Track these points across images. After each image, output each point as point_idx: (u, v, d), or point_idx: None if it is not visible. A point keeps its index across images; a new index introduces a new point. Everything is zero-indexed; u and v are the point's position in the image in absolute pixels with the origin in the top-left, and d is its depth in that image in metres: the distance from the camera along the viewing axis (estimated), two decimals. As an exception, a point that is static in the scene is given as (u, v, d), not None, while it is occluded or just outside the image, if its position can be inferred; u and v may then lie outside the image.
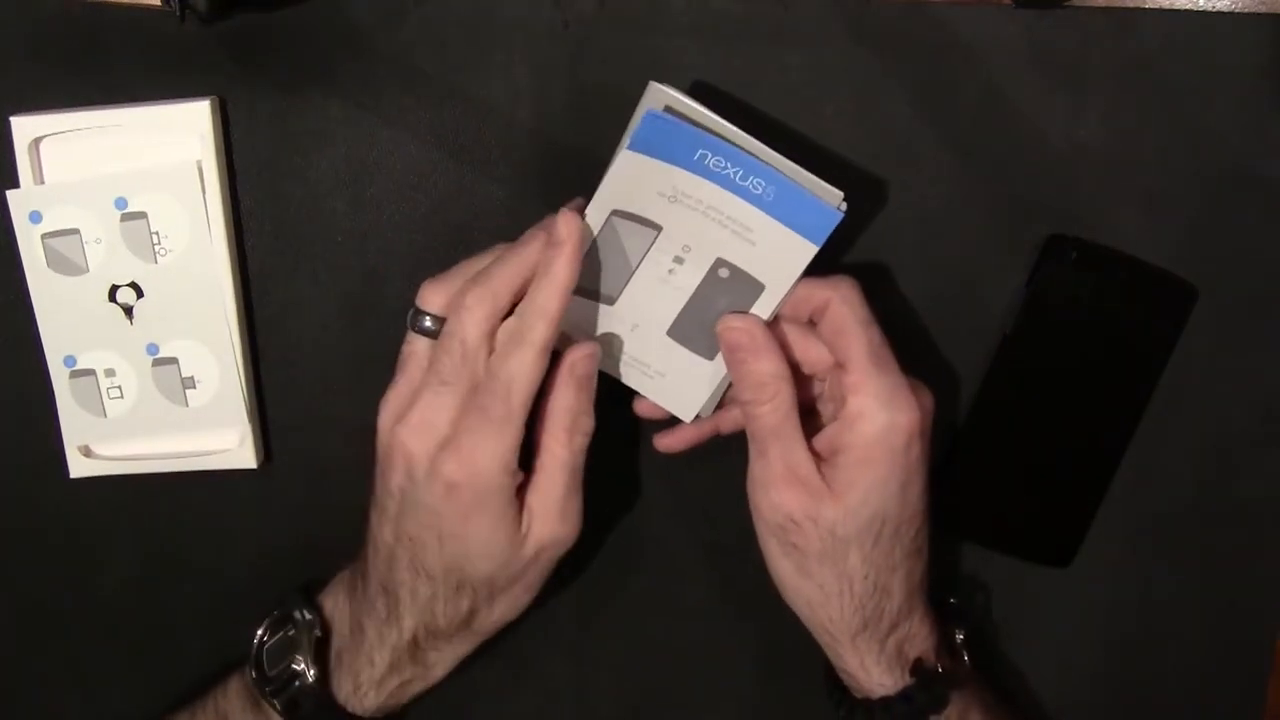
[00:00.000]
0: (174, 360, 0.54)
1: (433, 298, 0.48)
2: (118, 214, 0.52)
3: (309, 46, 0.53)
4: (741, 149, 0.45)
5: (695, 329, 0.50)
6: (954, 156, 0.54)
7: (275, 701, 0.50)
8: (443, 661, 0.50)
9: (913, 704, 0.49)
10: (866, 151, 0.54)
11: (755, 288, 0.48)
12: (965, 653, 0.52)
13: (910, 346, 0.55)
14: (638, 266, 0.48)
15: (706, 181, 0.45)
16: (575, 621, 0.59)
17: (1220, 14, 0.53)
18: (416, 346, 0.48)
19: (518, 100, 0.53)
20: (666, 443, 0.54)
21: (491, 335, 0.46)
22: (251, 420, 0.55)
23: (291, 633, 0.51)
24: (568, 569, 0.58)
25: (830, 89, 0.54)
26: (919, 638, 0.50)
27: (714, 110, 0.46)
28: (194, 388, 0.54)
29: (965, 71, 0.53)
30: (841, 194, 0.46)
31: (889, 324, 0.55)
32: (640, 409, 0.53)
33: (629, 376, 0.51)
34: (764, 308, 0.48)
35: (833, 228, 0.46)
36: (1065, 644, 0.59)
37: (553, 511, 0.47)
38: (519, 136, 0.54)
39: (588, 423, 0.48)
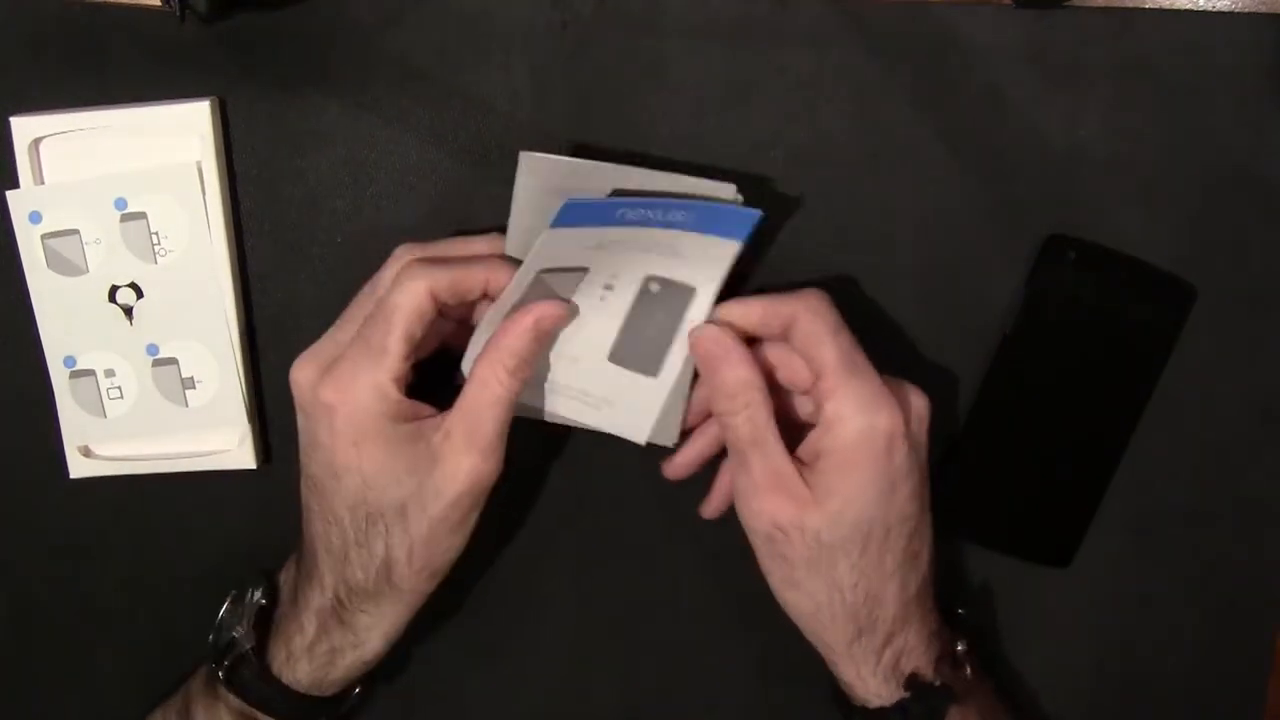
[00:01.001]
0: (174, 360, 0.54)
1: None
2: (117, 214, 0.52)
3: (309, 47, 0.53)
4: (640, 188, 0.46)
5: (635, 347, 0.49)
6: (953, 156, 0.54)
7: (219, 671, 0.50)
8: (375, 628, 0.49)
9: (908, 716, 0.49)
10: (866, 151, 0.54)
11: (687, 293, 0.48)
12: (967, 664, 0.51)
13: (909, 346, 0.56)
14: (566, 301, 0.48)
15: (628, 229, 0.45)
16: (575, 624, 0.59)
17: (1220, 14, 0.53)
18: None
19: (517, 100, 0.53)
20: (672, 469, 0.53)
21: None
22: (251, 421, 0.55)
23: (240, 603, 0.52)
24: (568, 572, 0.58)
25: (829, 89, 0.54)
26: (916, 650, 0.49)
27: (592, 157, 0.47)
28: (194, 388, 0.54)
29: (965, 71, 0.53)
30: (734, 186, 0.47)
31: (889, 324, 0.55)
32: (669, 471, 0.53)
33: (574, 411, 0.51)
34: (699, 310, 0.48)
35: (753, 225, 0.46)
36: (1065, 644, 0.59)
37: (475, 441, 0.46)
38: (518, 137, 0.54)
39: (528, 372, 0.47)
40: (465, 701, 0.59)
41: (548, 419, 0.51)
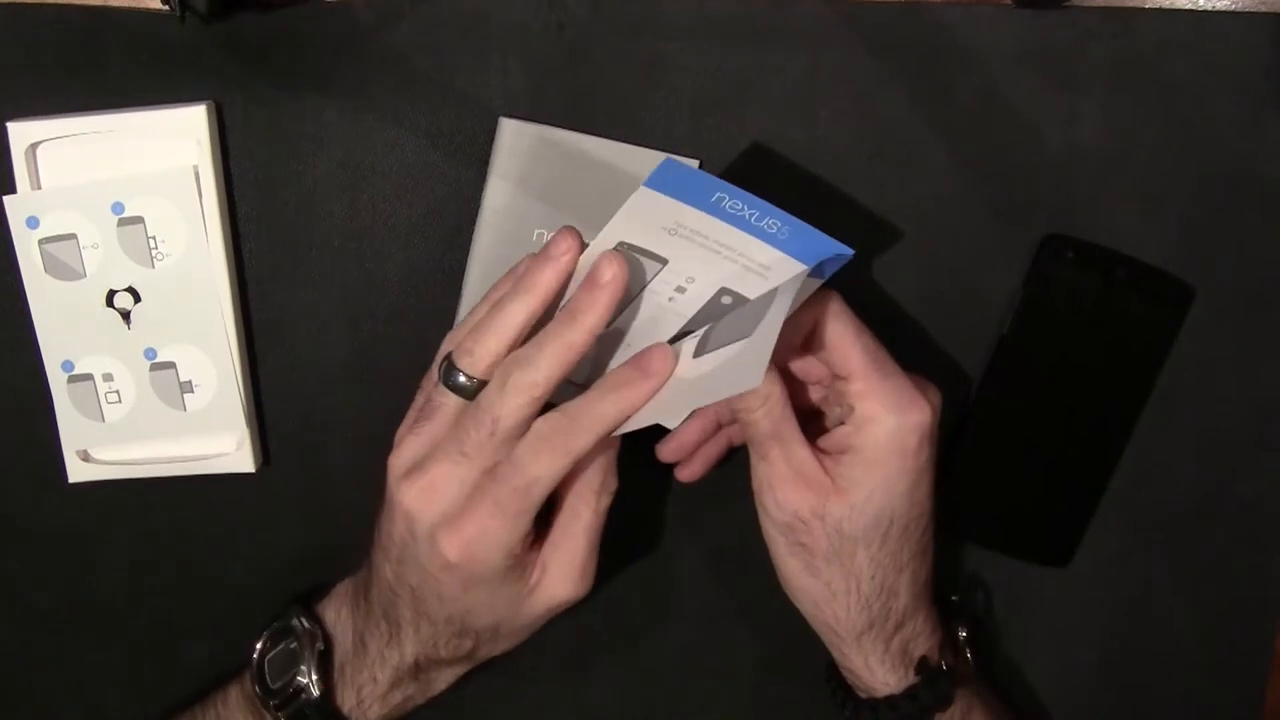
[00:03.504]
0: (172, 365, 0.54)
1: (467, 358, 0.46)
2: (114, 219, 0.52)
3: (305, 50, 0.53)
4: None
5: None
6: (951, 157, 0.54)
7: (280, 715, 0.50)
8: (444, 679, 0.51)
9: (918, 702, 0.49)
10: (864, 152, 0.54)
11: (757, 315, 0.46)
12: (968, 650, 0.52)
13: (908, 346, 0.55)
14: (638, 294, 0.47)
15: (719, 221, 0.44)
16: (575, 627, 0.59)
17: (1220, 14, 0.53)
18: (447, 400, 0.46)
19: (514, 102, 0.53)
20: (668, 453, 0.53)
21: (529, 421, 0.45)
22: (249, 424, 0.55)
23: (293, 645, 0.51)
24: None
25: (827, 90, 0.53)
26: (923, 636, 0.50)
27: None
28: (192, 392, 0.54)
29: (963, 72, 0.53)
30: (697, 161, 0.50)
31: (887, 324, 0.55)
32: (665, 455, 0.53)
33: None
34: (764, 333, 0.47)
35: (841, 264, 0.45)
36: (1065, 644, 0.59)
37: (571, 572, 0.47)
38: (516, 139, 0.54)
39: (613, 483, 0.47)
40: (466, 702, 0.59)
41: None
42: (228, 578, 0.57)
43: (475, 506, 0.45)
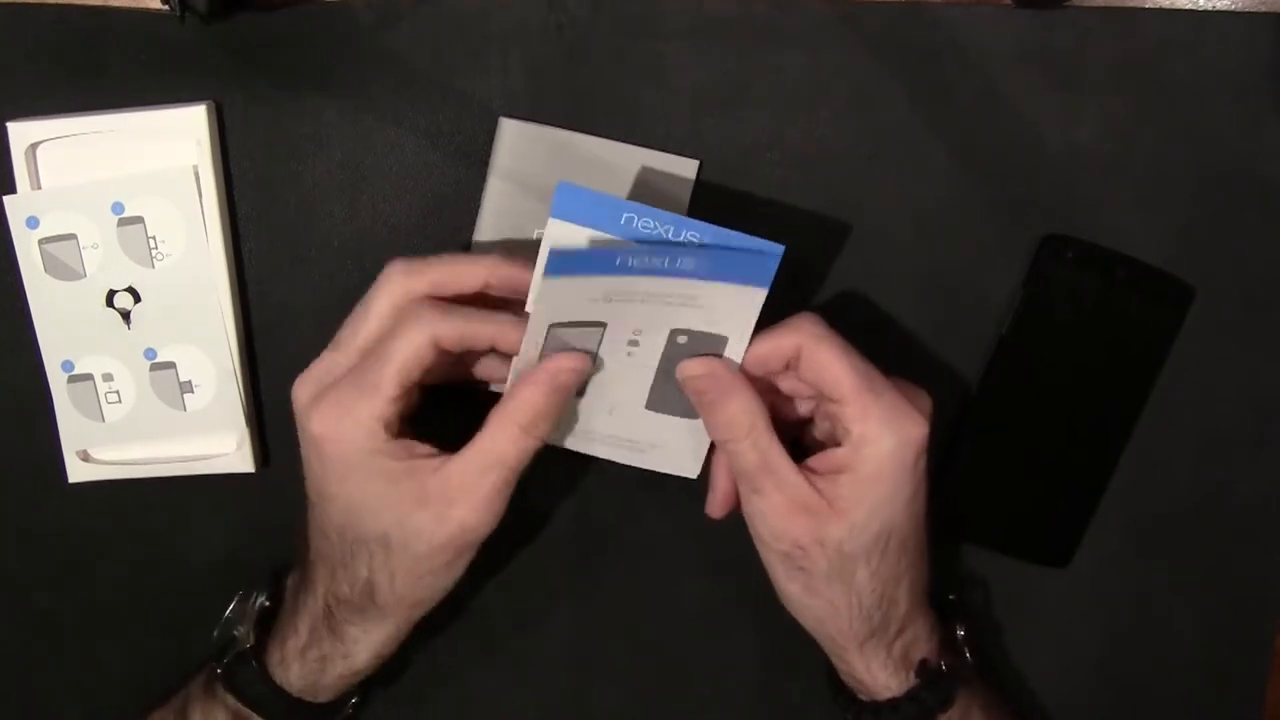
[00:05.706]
0: (172, 365, 0.54)
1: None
2: (114, 219, 0.52)
3: (305, 50, 0.53)
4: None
5: (672, 394, 0.48)
6: (951, 157, 0.54)
7: (218, 670, 0.50)
8: (363, 641, 0.49)
9: (920, 704, 0.49)
10: (863, 153, 0.54)
11: (719, 340, 0.47)
12: (967, 649, 0.52)
13: (907, 347, 0.56)
14: (595, 356, 0.47)
15: (635, 277, 0.43)
16: (575, 624, 0.59)
17: (1220, 14, 0.53)
18: None
19: (513, 103, 0.53)
20: (715, 509, 0.52)
21: (393, 313, 0.46)
22: (249, 424, 0.55)
23: (244, 602, 0.52)
24: (568, 572, 0.58)
25: (827, 90, 0.53)
26: (923, 639, 0.50)
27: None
28: (192, 392, 0.54)
29: (962, 72, 0.53)
30: (696, 163, 0.51)
31: (888, 325, 0.55)
32: (714, 512, 0.52)
33: (621, 455, 0.51)
34: (735, 354, 0.47)
35: (776, 267, 0.44)
36: (1065, 644, 0.59)
37: (471, 498, 0.45)
38: (515, 139, 0.54)
39: (546, 429, 0.46)
40: (466, 702, 0.59)
41: (600, 456, 0.51)
42: (227, 578, 0.57)
43: (338, 382, 0.46)
